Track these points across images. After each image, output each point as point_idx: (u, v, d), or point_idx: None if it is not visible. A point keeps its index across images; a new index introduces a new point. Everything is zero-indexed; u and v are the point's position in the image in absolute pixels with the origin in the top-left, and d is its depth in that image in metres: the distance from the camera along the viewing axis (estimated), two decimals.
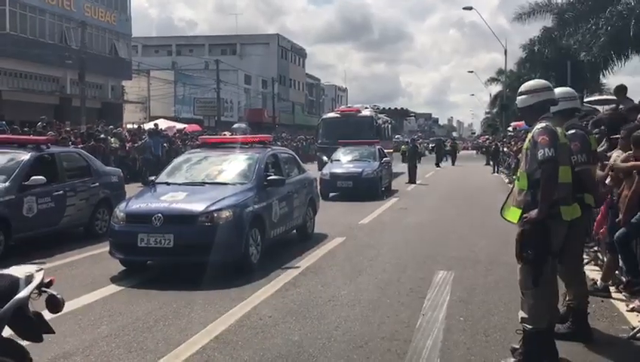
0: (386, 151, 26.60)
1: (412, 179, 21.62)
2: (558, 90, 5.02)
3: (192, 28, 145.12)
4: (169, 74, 48.00)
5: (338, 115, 25.23)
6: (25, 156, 8.75)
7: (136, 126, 24.45)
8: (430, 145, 56.12)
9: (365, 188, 15.97)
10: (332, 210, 13.76)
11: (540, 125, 4.12)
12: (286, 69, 67.58)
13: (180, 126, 32.57)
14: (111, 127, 24.12)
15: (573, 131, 4.75)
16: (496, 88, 51.41)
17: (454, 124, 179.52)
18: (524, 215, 4.06)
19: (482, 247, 8.81)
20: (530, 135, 4.21)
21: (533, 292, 4.07)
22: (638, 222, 5.05)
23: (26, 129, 18.62)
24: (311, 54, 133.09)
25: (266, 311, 5.56)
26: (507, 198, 4.42)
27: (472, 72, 66.04)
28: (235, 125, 40.77)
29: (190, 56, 59.21)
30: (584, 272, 5.06)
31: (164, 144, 21.39)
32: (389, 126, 30.93)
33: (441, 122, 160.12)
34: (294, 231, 9.32)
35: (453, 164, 38.43)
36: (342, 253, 8.54)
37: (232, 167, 8.41)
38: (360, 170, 16.43)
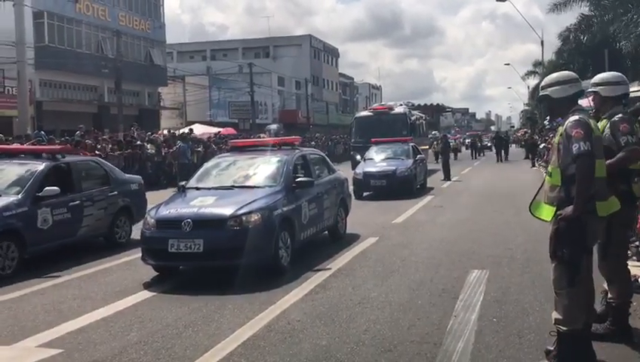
0: (421, 148, 26.41)
1: (447, 176, 21.30)
2: (605, 75, 4.81)
3: (223, 32, 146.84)
4: (204, 79, 48.63)
5: (371, 113, 25.03)
6: (39, 166, 8.56)
7: (168, 132, 24.66)
8: (466, 141, 55.08)
9: (399, 187, 15.80)
10: (365, 209, 13.68)
11: (572, 118, 3.93)
12: (319, 69, 67.65)
13: (214, 130, 32.94)
14: (149, 133, 24.57)
15: (620, 115, 4.54)
16: (534, 81, 50.32)
17: (492, 117, 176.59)
18: (559, 212, 3.89)
19: (519, 245, 8.58)
20: (562, 128, 4.02)
21: (568, 292, 3.90)
22: None
23: (64, 138, 19.07)
24: (343, 53, 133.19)
25: (294, 315, 5.51)
26: (536, 194, 4.25)
27: (508, 64, 64.91)
28: (269, 126, 41.26)
29: (224, 60, 59.74)
30: (628, 269, 4.84)
31: (199, 148, 21.63)
32: (424, 122, 30.54)
33: (478, 116, 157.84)
34: (326, 232, 9.26)
35: (503, 159, 34.78)
36: (374, 253, 8.43)
37: (260, 170, 8.39)
38: (394, 168, 16.25)
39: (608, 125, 4.54)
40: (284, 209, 7.51)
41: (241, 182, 8.08)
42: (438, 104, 66.23)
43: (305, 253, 8.07)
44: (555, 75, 4.29)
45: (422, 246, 8.88)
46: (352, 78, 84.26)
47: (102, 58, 33.89)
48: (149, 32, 40.21)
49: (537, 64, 45.83)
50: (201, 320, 5.50)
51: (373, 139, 19.19)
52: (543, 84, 4.29)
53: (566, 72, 4.35)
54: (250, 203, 7.17)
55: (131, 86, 37.54)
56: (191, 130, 25.35)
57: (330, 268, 7.43)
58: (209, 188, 7.91)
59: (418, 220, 11.73)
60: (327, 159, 10.31)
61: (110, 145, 20.33)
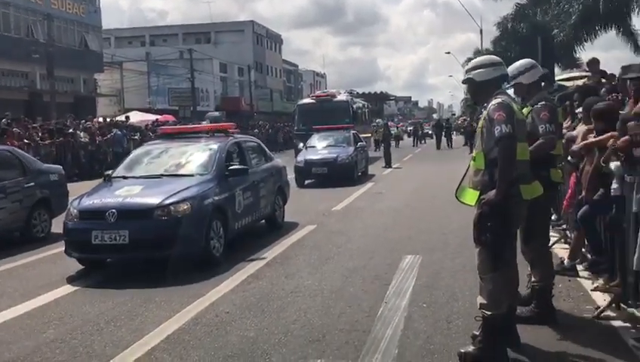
0: (364, 135, 26.52)
1: (388, 163, 21.48)
2: (520, 62, 4.84)
3: (162, 18, 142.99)
4: (142, 65, 47.20)
5: (313, 101, 24.93)
6: None
7: (103, 119, 23.83)
8: (408, 129, 55.78)
9: (340, 174, 15.79)
10: (307, 196, 13.61)
11: (495, 101, 3.91)
12: (262, 56, 66.86)
13: (153, 117, 32.07)
14: (83, 121, 23.64)
15: (543, 103, 4.58)
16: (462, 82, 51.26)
17: (434, 105, 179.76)
18: (482, 196, 3.88)
19: (453, 230, 8.66)
20: (485, 112, 3.98)
21: (492, 277, 3.90)
22: (600, 199, 4.90)
23: None
24: (287, 40, 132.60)
25: (223, 307, 5.35)
26: (462, 179, 4.24)
27: (449, 52, 66.04)
28: (209, 114, 40.54)
29: (164, 46, 58.23)
30: (550, 252, 4.92)
31: (135, 136, 21.01)
32: (367, 110, 30.70)
33: (421, 104, 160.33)
34: (263, 221, 9.09)
35: (445, 146, 35.31)
36: (311, 241, 8.35)
37: (191, 158, 8.03)
38: (335, 155, 16.23)
39: (531, 111, 4.58)
40: (216, 198, 7.23)
41: (171, 171, 7.73)
42: (381, 92, 66.80)
43: (240, 242, 7.90)
44: (479, 59, 4.28)
45: (358, 233, 8.86)
46: (297, 66, 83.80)
47: (33, 43, 32.35)
48: (83, 17, 38.62)
49: (477, 52, 46.79)
50: (125, 314, 5.27)
51: (314, 127, 19.11)
52: (467, 67, 4.25)
53: (490, 56, 4.35)
54: (179, 192, 6.88)
55: (65, 72, 36.02)
56: (127, 117, 24.57)
57: (264, 258, 7.29)
58: (137, 178, 7.55)
59: (357, 207, 11.73)
60: (264, 146, 10.06)
61: (41, 134, 19.44)
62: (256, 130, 37.87)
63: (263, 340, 4.48)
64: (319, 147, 17.18)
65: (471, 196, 3.99)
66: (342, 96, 25.21)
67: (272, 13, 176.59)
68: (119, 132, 19.14)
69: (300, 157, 16.46)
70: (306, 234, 8.89)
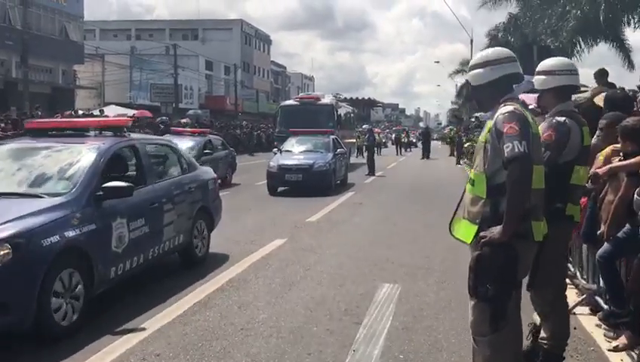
0: (348, 141, 25.59)
1: (371, 171, 20.58)
2: (552, 62, 3.87)
3: (149, 12, 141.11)
4: (125, 58, 45.97)
5: (297, 103, 23.90)
6: None
7: (74, 112, 22.62)
8: (392, 136, 54.88)
9: (317, 182, 14.54)
10: (280, 205, 12.63)
11: (504, 109, 2.97)
12: (250, 56, 65.83)
13: (131, 112, 30.87)
14: (56, 114, 22.41)
15: (562, 119, 3.62)
16: (462, 79, 50.83)
17: (421, 114, 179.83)
18: (482, 233, 2.93)
19: (437, 252, 7.74)
20: (490, 123, 3.03)
21: (491, 340, 2.96)
22: (627, 237, 3.96)
23: None
24: (275, 42, 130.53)
25: (154, 347, 4.35)
26: (456, 209, 3.28)
27: (438, 62, 65.45)
28: (190, 112, 39.40)
29: (150, 40, 57.01)
30: (566, 304, 3.95)
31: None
32: (352, 115, 29.83)
33: (408, 112, 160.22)
34: (174, 253, 6.70)
35: (426, 157, 33.18)
36: (277, 259, 7.36)
37: (50, 167, 5.44)
38: (311, 161, 14.90)
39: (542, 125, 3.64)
40: (72, 233, 4.68)
41: (10, 189, 5.17)
42: (369, 98, 66.12)
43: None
44: (476, 57, 3.28)
45: (331, 250, 7.89)
46: (285, 67, 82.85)
47: (8, 29, 31.04)
48: (64, 5, 37.27)
49: (465, 63, 46.20)
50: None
51: (291, 130, 18.11)
52: (470, 64, 3.29)
53: (487, 52, 3.29)
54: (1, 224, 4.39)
55: (43, 62, 34.73)
56: (102, 110, 23.39)
57: (220, 279, 6.30)
58: None
59: (334, 219, 10.76)
60: (181, 151, 7.48)
61: (3, 125, 18.25)
62: (238, 131, 36.82)
63: None
64: (295, 151, 15.88)
65: (466, 231, 3.05)
66: (326, 100, 24.26)
67: (261, 13, 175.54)
68: None
69: (273, 162, 15.00)
70: (273, 250, 7.90)
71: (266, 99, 67.66)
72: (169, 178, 6.74)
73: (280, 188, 14.75)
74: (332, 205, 12.58)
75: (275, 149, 16.92)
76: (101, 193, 5.18)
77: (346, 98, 48.00)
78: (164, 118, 27.72)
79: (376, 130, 46.85)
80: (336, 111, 23.52)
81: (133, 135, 6.70)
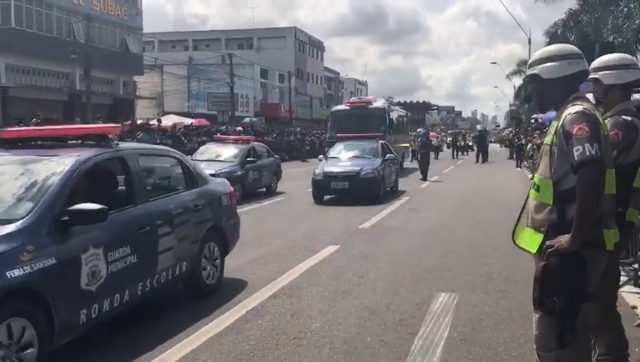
0: (401, 145, 25.25)
1: (424, 176, 20.17)
2: (617, 56, 3.62)
3: (204, 23, 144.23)
4: (183, 69, 47.15)
5: (348, 108, 23.57)
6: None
7: (132, 122, 23.24)
8: (448, 139, 53.90)
9: (364, 190, 13.85)
10: (331, 211, 12.54)
11: (573, 109, 2.76)
12: (304, 63, 66.37)
13: (189, 121, 31.60)
14: (119, 124, 23.16)
15: (629, 118, 3.36)
16: (519, 80, 49.60)
17: (478, 116, 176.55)
18: (548, 242, 2.74)
19: (497, 259, 7.46)
20: (557, 123, 2.81)
21: (558, 356, 2.76)
22: None
23: (17, 126, 17.66)
24: (328, 48, 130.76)
25: (206, 356, 4.31)
26: (520, 216, 3.08)
27: (494, 63, 64.02)
28: (246, 119, 39.89)
29: (207, 50, 58.39)
30: (619, 315, 3.67)
31: (165, 140, 20.34)
32: (406, 119, 29.42)
33: (464, 115, 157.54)
34: (176, 284, 5.69)
35: (482, 160, 32.13)
36: (330, 266, 7.26)
37: (5, 187, 4.50)
38: (358, 168, 14.12)
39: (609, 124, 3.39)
40: (19, 272, 3.67)
41: None
42: (424, 101, 65.30)
43: (252, 264, 6.89)
44: (548, 48, 3.07)
45: (385, 258, 7.72)
46: (338, 73, 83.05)
47: (73, 43, 32.34)
48: (125, 19, 38.63)
49: (522, 63, 45.01)
50: None
51: (339, 135, 17.88)
52: (531, 60, 3.07)
53: (564, 45, 3.10)
54: None
55: (105, 74, 36.07)
56: (159, 120, 23.98)
57: (273, 286, 6.25)
58: None
59: (387, 226, 10.57)
60: (187, 162, 6.25)
61: None
62: (291, 137, 37.07)
63: None
64: (342, 158, 15.22)
65: (531, 240, 2.85)
66: (378, 104, 23.90)
67: (313, 20, 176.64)
68: (145, 135, 18.44)
69: (318, 170, 14.33)
70: (326, 257, 7.80)
71: (319, 105, 67.99)
72: (168, 194, 5.71)
73: (326, 197, 14.24)
74: (386, 211, 12.39)
75: (321, 156, 16.48)
76: (67, 218, 4.11)
77: (399, 102, 47.65)
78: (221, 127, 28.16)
79: (432, 133, 46.11)
80: (389, 115, 23.16)
81: (124, 144, 5.62)
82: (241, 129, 30.87)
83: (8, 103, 29.12)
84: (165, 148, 7.67)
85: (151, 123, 22.01)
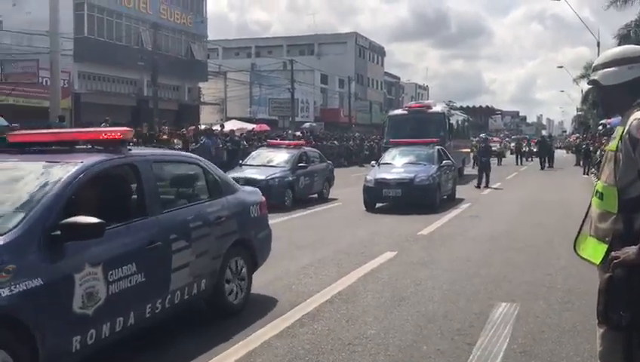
0: (462, 151, 24.76)
1: (486, 183, 19.69)
2: None
3: (266, 30, 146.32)
4: (245, 75, 48.08)
5: (405, 112, 23.14)
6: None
7: (195, 127, 23.86)
8: (511, 145, 52.51)
9: (418, 198, 13.28)
10: (388, 217, 12.42)
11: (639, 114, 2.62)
12: (364, 68, 66.40)
13: (250, 126, 32.18)
14: (182, 128, 23.86)
15: None
16: (586, 84, 47.83)
17: (544, 121, 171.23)
18: (613, 253, 2.60)
19: (560, 269, 7.21)
20: (622, 129, 2.68)
21: None
22: None
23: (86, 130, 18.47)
24: (388, 53, 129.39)
25: (261, 360, 4.36)
26: (582, 224, 2.95)
27: (561, 67, 61.72)
28: (306, 125, 40.20)
29: (269, 57, 59.34)
30: None
31: (227, 146, 20.81)
32: (467, 124, 28.86)
33: (529, 120, 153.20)
34: (195, 303, 5.22)
35: (548, 166, 32.00)
36: (386, 272, 7.20)
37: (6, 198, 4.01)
38: (412, 175, 13.58)
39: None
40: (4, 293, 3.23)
41: None
42: (487, 106, 63.94)
43: (302, 268, 6.93)
44: (611, 52, 2.91)
45: (444, 265, 7.60)
46: (399, 78, 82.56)
47: (141, 51, 33.56)
48: (190, 27, 39.78)
49: (589, 67, 43.39)
50: None
51: (391, 140, 17.59)
52: (594, 63, 2.94)
53: (625, 48, 2.92)
54: None
55: (171, 80, 37.22)
56: (222, 125, 24.51)
57: (328, 291, 6.25)
58: None
59: (447, 232, 10.40)
60: (210, 169, 5.70)
61: (135, 140, 19.63)
62: (350, 142, 37.10)
63: None
64: (395, 164, 14.68)
65: (594, 250, 2.73)
66: (437, 108, 23.43)
67: (373, 25, 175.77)
68: (208, 140, 18.90)
69: (370, 176, 13.82)
70: (383, 263, 7.75)
71: (379, 110, 67.76)
72: (186, 205, 5.22)
73: (378, 204, 13.72)
74: (445, 218, 12.19)
75: (374, 162, 15.90)
76: (60, 233, 3.64)
77: (461, 106, 46.82)
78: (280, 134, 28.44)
79: (494, 138, 44.94)
80: (448, 120, 22.70)
81: (137, 150, 5.28)
82: (300, 134, 31.16)
83: (81, 109, 30.51)
84: (187, 154, 7.00)
85: (214, 128, 22.51)
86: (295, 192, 14.21)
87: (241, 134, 26.37)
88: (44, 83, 26.66)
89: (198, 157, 5.95)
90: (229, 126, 27.83)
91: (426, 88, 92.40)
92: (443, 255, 8.34)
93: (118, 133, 4.63)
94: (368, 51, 68.24)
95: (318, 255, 8.17)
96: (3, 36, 29.33)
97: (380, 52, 73.16)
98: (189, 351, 4.51)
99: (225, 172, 6.92)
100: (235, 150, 21.49)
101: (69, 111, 28.34)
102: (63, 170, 4.05)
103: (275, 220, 11.24)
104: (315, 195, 15.69)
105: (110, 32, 33.27)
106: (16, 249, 3.45)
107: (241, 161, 15.93)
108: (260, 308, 5.63)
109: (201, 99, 42.93)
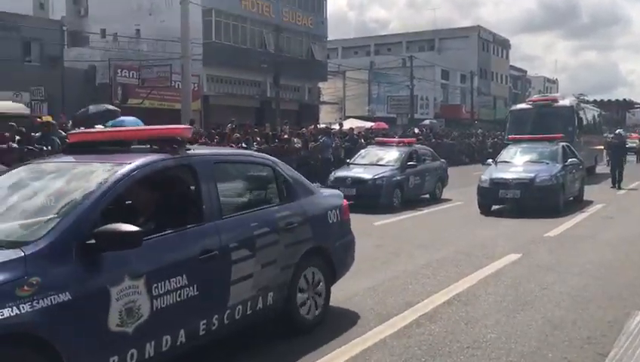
0: (595, 148, 23.05)
1: (614, 183, 17.99)
2: None
3: (384, 27, 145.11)
4: (363, 73, 48.25)
5: (529, 106, 21.59)
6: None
7: (314, 126, 24.32)
8: None
9: (539, 200, 12.05)
10: (513, 217, 11.79)
11: None
12: (487, 62, 64.02)
13: (368, 125, 32.25)
14: (302, 128, 24.50)
15: None
16: None
17: None
18: None
19: None
20: None
21: None
22: None
23: (213, 130, 19.46)
24: (513, 46, 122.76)
25: (377, 357, 4.33)
26: None
27: None
28: (425, 122, 39.53)
29: (388, 55, 59.10)
30: None
31: (345, 144, 21.01)
32: (599, 119, 26.82)
33: None
34: (262, 320, 4.70)
35: None
36: (510, 275, 6.88)
37: (35, 200, 3.79)
38: (532, 175, 12.36)
39: None
40: (13, 312, 2.87)
41: None
42: (624, 100, 59.27)
43: (420, 268, 6.81)
44: None
45: (573, 269, 7.12)
46: (525, 71, 78.70)
47: (264, 54, 34.80)
48: (311, 28, 40.58)
49: None
50: None
51: (510, 137, 16.51)
52: None
53: None
54: None
55: (292, 81, 38.20)
56: (341, 124, 24.78)
57: (447, 292, 6.09)
58: None
59: (577, 234, 9.74)
60: (282, 170, 5.16)
61: (259, 139, 20.40)
62: (472, 139, 35.96)
63: None
64: (514, 162, 13.44)
65: None
66: (565, 101, 21.74)
67: (497, 18, 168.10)
68: (326, 138, 19.19)
69: (485, 176, 12.72)
70: (506, 265, 7.41)
71: (504, 105, 65.06)
72: (251, 210, 4.71)
73: (493, 207, 12.61)
74: (576, 219, 11.45)
75: (490, 160, 14.59)
76: (94, 242, 3.31)
77: (595, 100, 43.68)
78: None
79: (632, 135, 41.57)
80: (577, 115, 21.06)
81: (198, 150, 4.66)
82: (419, 131, 30.69)
83: (209, 111, 32.26)
84: (257, 153, 6.37)
85: (332, 127, 22.82)
86: (404, 192, 13.58)
87: (359, 132, 26.47)
88: (176, 86, 28.55)
89: (270, 157, 5.42)
90: (348, 124, 28.07)
91: (554, 81, 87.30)
92: (573, 258, 7.82)
93: (177, 130, 4.38)
94: (492, 44, 65.71)
95: (438, 255, 7.99)
96: (141, 43, 31.79)
97: (505, 45, 70.16)
98: (294, 352, 4.60)
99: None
100: (352, 148, 21.67)
101: (199, 112, 30.07)
102: (109, 172, 3.73)
103: (382, 221, 10.94)
104: (427, 196, 14.98)
105: (235, 37, 34.78)
106: (43, 260, 3.13)
107: (348, 160, 15.56)
108: (375, 306, 5.60)
109: (321, 99, 43.69)
